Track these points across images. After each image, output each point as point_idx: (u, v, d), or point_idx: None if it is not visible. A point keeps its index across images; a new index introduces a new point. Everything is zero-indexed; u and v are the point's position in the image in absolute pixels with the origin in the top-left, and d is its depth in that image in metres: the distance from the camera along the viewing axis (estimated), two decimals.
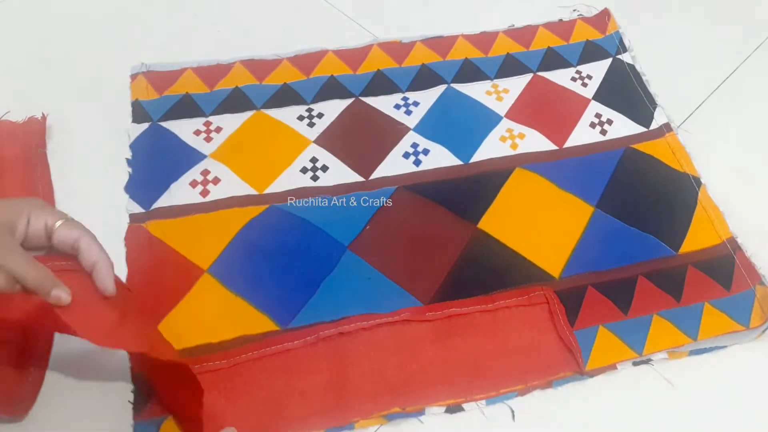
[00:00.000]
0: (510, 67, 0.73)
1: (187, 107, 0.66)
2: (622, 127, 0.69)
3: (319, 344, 0.52)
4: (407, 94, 0.70)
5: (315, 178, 0.62)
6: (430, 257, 0.58)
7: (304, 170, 0.63)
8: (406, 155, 0.65)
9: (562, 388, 0.52)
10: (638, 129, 0.69)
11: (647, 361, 0.54)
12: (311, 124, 0.66)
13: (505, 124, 0.68)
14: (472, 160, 0.65)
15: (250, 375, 0.50)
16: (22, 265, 0.38)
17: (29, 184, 0.59)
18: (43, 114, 0.63)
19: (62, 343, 0.49)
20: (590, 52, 0.76)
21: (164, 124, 0.64)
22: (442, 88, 0.71)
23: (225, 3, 0.77)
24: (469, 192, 0.62)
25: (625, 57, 0.76)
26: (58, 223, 0.41)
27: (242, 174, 0.62)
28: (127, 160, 0.61)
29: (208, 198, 0.60)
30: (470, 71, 0.72)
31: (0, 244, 0.38)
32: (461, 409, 0.51)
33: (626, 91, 0.73)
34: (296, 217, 0.59)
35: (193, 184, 0.61)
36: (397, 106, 0.69)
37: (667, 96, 0.72)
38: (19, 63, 0.68)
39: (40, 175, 0.59)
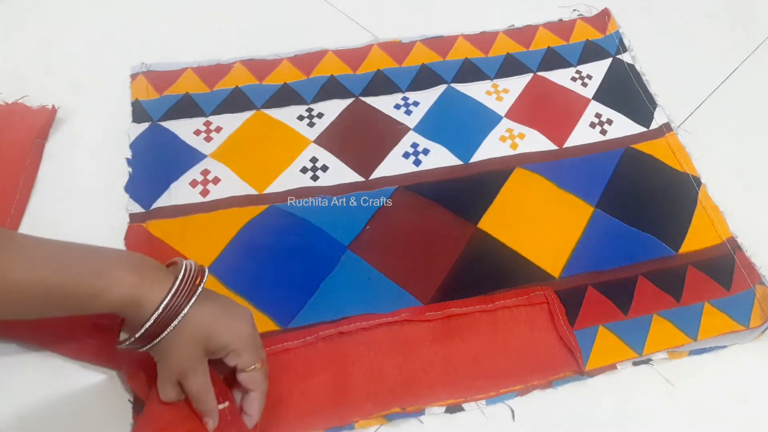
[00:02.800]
0: (510, 67, 0.73)
1: (187, 107, 0.66)
2: (622, 127, 0.69)
3: (319, 344, 0.52)
4: (407, 94, 0.70)
5: (315, 178, 0.62)
6: (430, 257, 0.58)
7: (304, 170, 0.63)
8: (406, 155, 0.65)
9: (562, 388, 0.52)
10: (638, 129, 0.69)
11: (647, 361, 0.54)
12: (311, 124, 0.66)
13: (505, 124, 0.68)
14: (472, 160, 0.65)
15: None
16: (202, 394, 0.43)
17: (14, 172, 0.58)
18: (53, 106, 0.63)
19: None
20: (590, 52, 0.76)
21: (164, 123, 0.64)
22: (442, 88, 0.71)
23: (225, 3, 0.77)
24: (469, 192, 0.62)
25: (625, 57, 0.76)
26: (250, 368, 0.44)
27: (242, 174, 0.62)
28: (127, 159, 0.61)
29: (208, 198, 0.60)
30: (470, 71, 0.72)
31: (196, 368, 0.42)
32: (461, 409, 0.51)
33: (626, 91, 0.73)
34: (296, 217, 0.59)
35: (193, 183, 0.61)
36: (397, 106, 0.69)
37: (667, 96, 0.72)
38: (19, 63, 0.68)
39: (28, 166, 0.59)
